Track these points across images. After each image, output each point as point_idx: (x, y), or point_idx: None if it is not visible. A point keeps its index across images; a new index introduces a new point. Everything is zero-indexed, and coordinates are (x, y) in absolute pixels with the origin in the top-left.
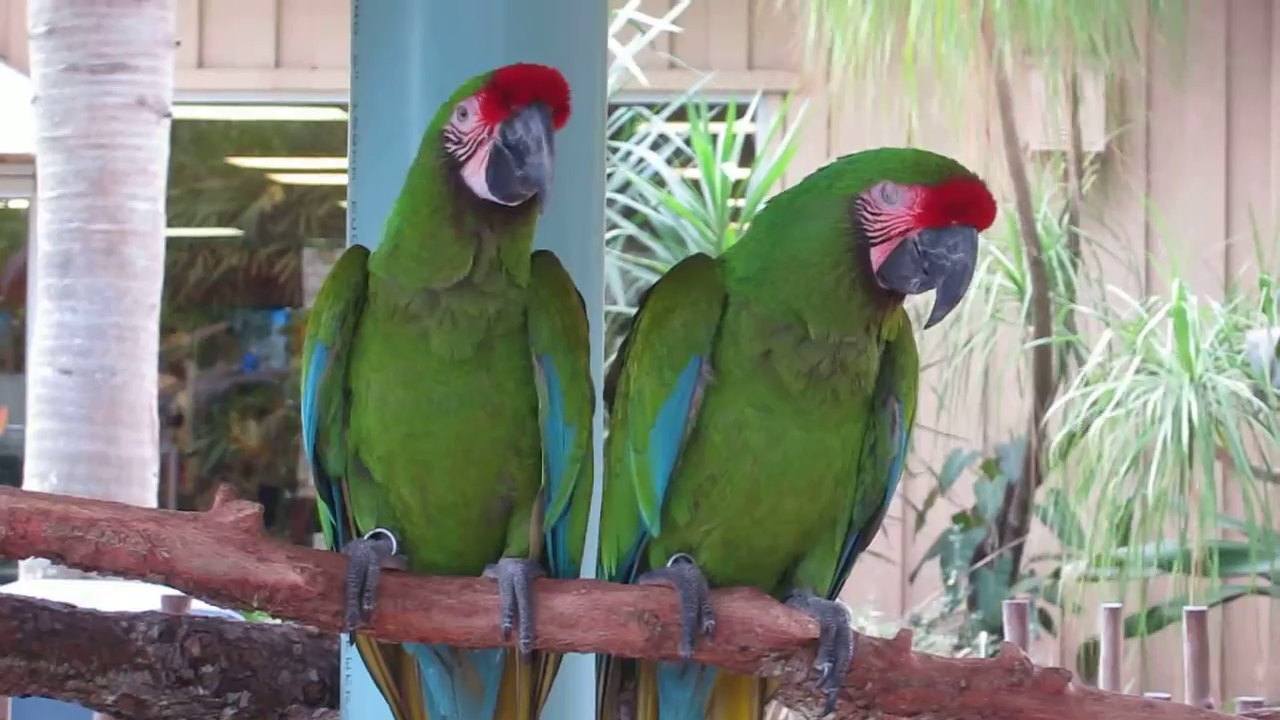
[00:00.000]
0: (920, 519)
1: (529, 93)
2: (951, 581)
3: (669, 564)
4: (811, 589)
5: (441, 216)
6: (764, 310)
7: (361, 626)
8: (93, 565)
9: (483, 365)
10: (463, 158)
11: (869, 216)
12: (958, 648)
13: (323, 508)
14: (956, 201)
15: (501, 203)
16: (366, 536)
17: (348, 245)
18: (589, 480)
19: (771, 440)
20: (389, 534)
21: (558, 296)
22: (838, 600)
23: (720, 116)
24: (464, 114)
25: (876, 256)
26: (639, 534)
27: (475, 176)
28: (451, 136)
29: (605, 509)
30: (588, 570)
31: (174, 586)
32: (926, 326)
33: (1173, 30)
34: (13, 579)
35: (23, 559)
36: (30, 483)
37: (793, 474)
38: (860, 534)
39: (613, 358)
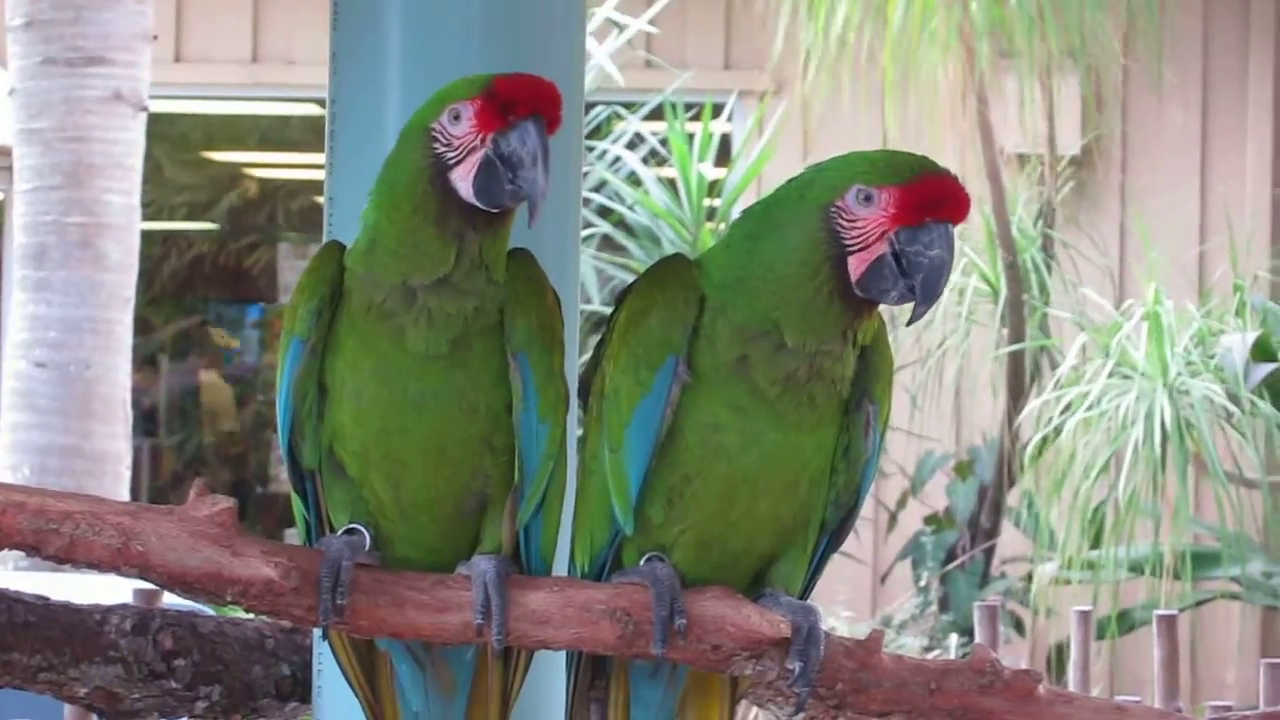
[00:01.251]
0: (892, 520)
1: (528, 107)
2: (923, 583)
3: (642, 563)
4: (784, 589)
5: (424, 215)
6: (740, 317)
7: (335, 622)
8: (67, 558)
9: (458, 362)
10: (452, 161)
11: (845, 224)
12: (928, 649)
13: (297, 502)
14: (930, 198)
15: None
16: (340, 532)
17: (325, 240)
18: (563, 478)
19: (746, 442)
20: (363, 529)
21: (534, 294)
22: (809, 601)
23: (697, 116)
24: (456, 117)
25: (854, 265)
26: (612, 532)
27: (464, 181)
28: (440, 137)
29: (579, 507)
30: (560, 568)
31: (148, 580)
32: (908, 324)
33: (1149, 34)
34: None
35: None
36: (2, 475)
37: (767, 475)
38: (833, 535)
39: (587, 356)
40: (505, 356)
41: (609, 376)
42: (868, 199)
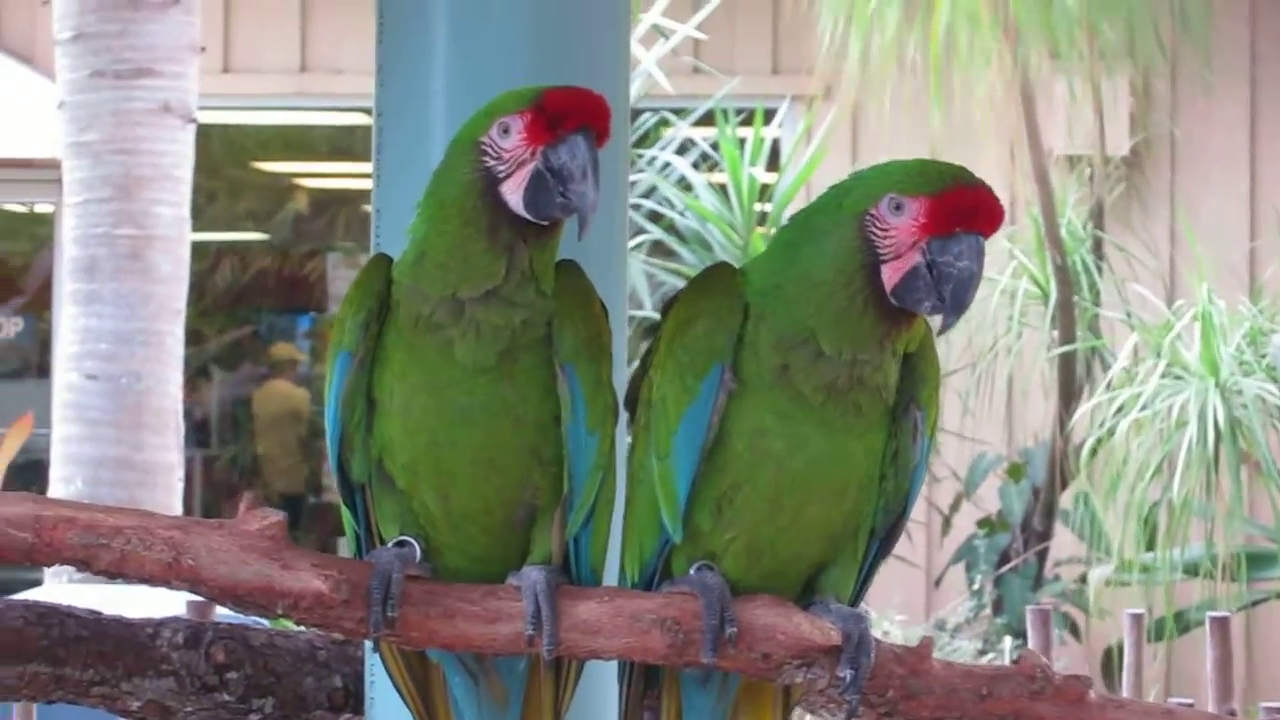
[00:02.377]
0: (945, 524)
1: (577, 120)
2: (976, 586)
3: (691, 571)
4: (834, 597)
5: (474, 228)
6: (780, 325)
7: (385, 634)
8: (118, 573)
9: (506, 374)
10: (502, 174)
11: (878, 232)
12: (982, 652)
13: (346, 515)
14: (960, 209)
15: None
16: (390, 544)
17: (372, 252)
18: (611, 488)
19: (794, 447)
20: (413, 541)
21: (581, 306)
22: (859, 608)
23: (747, 121)
24: (505, 130)
25: (888, 274)
26: (661, 541)
27: (514, 195)
28: (490, 151)
29: (628, 516)
30: (610, 578)
31: (199, 594)
32: (939, 334)
33: (1196, 34)
34: (39, 583)
35: (49, 566)
36: (55, 487)
37: (815, 481)
38: (882, 542)
39: (635, 364)
40: (553, 368)
41: (656, 385)
42: (899, 208)
